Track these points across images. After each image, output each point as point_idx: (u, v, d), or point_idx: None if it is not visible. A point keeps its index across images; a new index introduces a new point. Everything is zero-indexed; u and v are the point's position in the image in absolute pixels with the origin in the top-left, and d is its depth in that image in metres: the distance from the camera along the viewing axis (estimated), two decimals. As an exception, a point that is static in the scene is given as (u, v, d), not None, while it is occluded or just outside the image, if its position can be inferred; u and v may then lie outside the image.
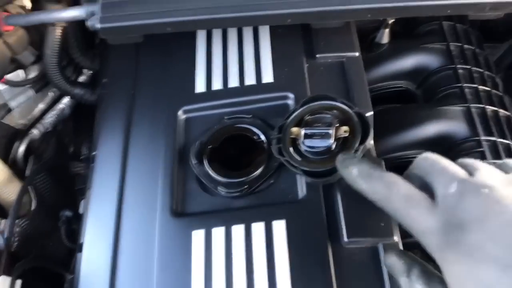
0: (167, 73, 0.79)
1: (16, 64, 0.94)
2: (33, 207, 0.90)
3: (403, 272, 0.47)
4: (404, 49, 0.90)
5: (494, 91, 0.85)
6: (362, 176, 0.50)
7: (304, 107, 0.66)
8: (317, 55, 0.75)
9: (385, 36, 0.89)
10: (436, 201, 0.44)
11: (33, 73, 0.99)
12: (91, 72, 1.07)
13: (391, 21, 0.86)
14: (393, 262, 0.48)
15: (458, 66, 0.86)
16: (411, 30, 0.95)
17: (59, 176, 1.07)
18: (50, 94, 1.06)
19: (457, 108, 0.81)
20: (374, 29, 0.92)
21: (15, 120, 1.00)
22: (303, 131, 0.63)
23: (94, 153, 0.76)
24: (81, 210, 0.85)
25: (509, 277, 0.37)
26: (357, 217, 0.60)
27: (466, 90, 0.83)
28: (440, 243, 0.42)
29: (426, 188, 0.47)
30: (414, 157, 0.80)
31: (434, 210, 0.44)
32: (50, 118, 1.04)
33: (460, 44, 0.89)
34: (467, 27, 0.93)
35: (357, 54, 0.75)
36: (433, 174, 0.46)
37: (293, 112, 0.66)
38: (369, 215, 0.60)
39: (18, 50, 0.89)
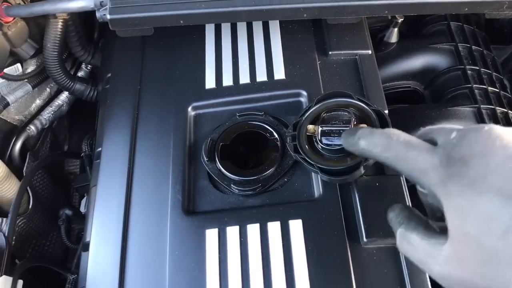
0: (174, 68, 0.77)
1: (15, 57, 0.91)
2: (30, 205, 0.87)
3: (401, 224, 0.47)
4: (412, 48, 0.89)
5: (503, 92, 0.84)
6: (364, 136, 0.50)
7: (320, 104, 0.64)
8: (330, 52, 0.74)
9: (394, 35, 0.88)
10: (438, 146, 0.45)
11: (30, 68, 0.97)
12: (90, 67, 1.05)
13: (400, 20, 0.85)
14: (394, 215, 0.48)
15: (467, 67, 0.85)
16: (418, 30, 0.95)
17: (54, 174, 1.04)
18: (48, 90, 1.03)
19: (468, 109, 0.80)
20: (381, 28, 0.92)
21: (12, 115, 0.97)
22: (320, 129, 0.61)
23: (99, 149, 0.74)
24: (82, 209, 0.82)
25: (510, 208, 0.37)
26: (375, 216, 0.59)
27: (476, 91, 0.82)
28: (443, 177, 0.42)
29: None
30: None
31: (435, 149, 0.44)
32: (47, 114, 1.01)
33: (468, 45, 0.89)
34: (474, 28, 0.92)
35: (370, 51, 0.74)
36: (434, 130, 0.47)
37: (309, 109, 0.64)
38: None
39: (17, 43, 0.86)
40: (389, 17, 0.88)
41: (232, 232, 0.61)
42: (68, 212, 0.87)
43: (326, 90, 0.71)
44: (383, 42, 0.89)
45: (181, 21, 0.67)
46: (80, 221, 0.87)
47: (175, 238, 0.62)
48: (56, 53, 0.87)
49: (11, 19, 0.82)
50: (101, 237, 0.65)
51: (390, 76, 0.89)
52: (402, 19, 0.85)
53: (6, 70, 0.90)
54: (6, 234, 0.69)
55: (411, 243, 0.45)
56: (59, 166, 1.14)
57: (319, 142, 0.61)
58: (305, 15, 0.66)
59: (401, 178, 0.62)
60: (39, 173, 0.94)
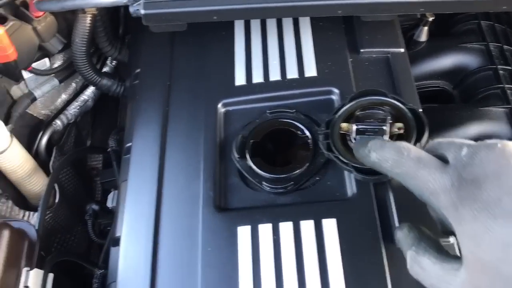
0: (204, 65, 0.77)
1: (43, 52, 0.91)
2: (56, 199, 0.88)
3: (411, 245, 0.45)
4: (442, 48, 0.88)
5: (535, 93, 0.83)
6: (375, 148, 0.48)
7: (353, 102, 0.63)
8: (361, 50, 0.73)
9: (423, 34, 0.87)
10: (448, 164, 0.43)
11: (58, 62, 0.97)
12: (115, 63, 1.05)
13: (431, 18, 0.84)
14: (403, 236, 0.47)
15: (499, 66, 0.84)
16: (448, 29, 0.94)
17: (78, 169, 1.05)
18: (73, 85, 1.03)
19: (500, 110, 0.79)
20: (411, 27, 0.91)
21: (38, 110, 0.98)
22: (354, 127, 0.60)
23: (129, 144, 0.74)
24: (109, 204, 0.82)
25: None
26: (410, 216, 0.58)
27: (508, 91, 0.81)
28: (454, 200, 0.40)
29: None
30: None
31: (446, 169, 0.42)
32: (73, 109, 1.01)
33: (499, 45, 0.87)
34: (505, 28, 0.91)
35: (402, 50, 0.74)
36: (443, 145, 0.45)
37: (342, 107, 0.64)
38: (423, 215, 0.58)
39: (46, 37, 0.86)
40: (419, 16, 0.87)
41: (265, 229, 0.60)
42: (95, 207, 0.87)
43: (358, 88, 0.70)
44: (412, 41, 0.88)
45: (215, 17, 0.66)
46: (106, 216, 0.87)
47: (207, 235, 0.61)
48: (84, 48, 0.88)
49: (41, 13, 0.82)
50: (132, 232, 0.65)
51: (418, 75, 0.88)
52: (433, 18, 0.84)
53: (34, 65, 0.91)
54: (36, 228, 0.69)
55: (423, 268, 0.43)
56: (82, 161, 1.14)
57: (353, 141, 0.60)
58: (339, 11, 0.66)
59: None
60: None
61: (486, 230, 0.37)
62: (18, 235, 0.65)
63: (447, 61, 0.88)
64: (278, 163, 0.72)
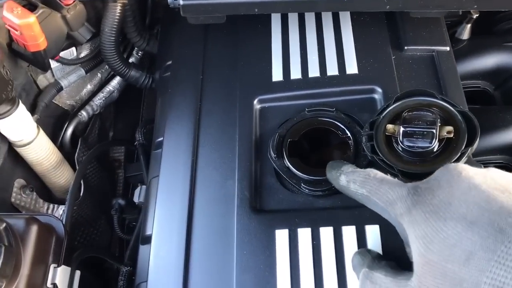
0: (239, 59, 0.74)
1: (71, 41, 0.89)
2: (81, 193, 0.86)
3: (365, 264, 0.48)
4: (484, 46, 0.85)
5: None
6: (346, 171, 0.52)
7: (399, 102, 0.60)
8: (405, 47, 0.70)
9: (466, 32, 0.83)
10: None
11: (85, 52, 0.95)
12: (141, 53, 1.02)
13: (475, 15, 0.81)
14: (359, 258, 0.50)
15: (546, 68, 0.80)
16: (490, 28, 0.90)
17: (101, 161, 1.03)
18: (99, 75, 1.01)
19: (547, 113, 0.76)
20: (452, 24, 0.87)
21: (63, 100, 0.96)
22: (402, 129, 0.57)
23: (160, 139, 0.71)
24: (136, 199, 0.80)
25: (473, 233, 0.37)
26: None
27: (556, 94, 0.78)
28: (409, 205, 0.43)
29: None
30: (498, 163, 0.76)
31: (405, 184, 0.46)
32: (98, 100, 0.99)
33: (546, 45, 0.83)
34: (551, 27, 0.87)
35: (448, 48, 0.70)
36: None
37: (387, 107, 0.61)
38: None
39: (75, 26, 0.84)
40: (460, 12, 0.83)
41: (304, 234, 0.58)
42: (121, 201, 0.85)
43: (402, 87, 0.67)
44: (454, 39, 0.85)
45: (256, 10, 0.63)
46: (131, 211, 0.85)
47: (243, 237, 0.59)
48: (113, 38, 0.85)
49: (71, 1, 0.79)
50: (164, 232, 0.62)
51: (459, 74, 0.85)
52: (477, 15, 0.81)
53: (61, 54, 0.88)
54: (63, 223, 0.67)
55: (375, 282, 0.46)
56: (105, 153, 1.12)
57: (399, 143, 0.57)
58: (388, 6, 0.62)
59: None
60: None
61: (436, 231, 0.40)
62: (46, 231, 0.63)
63: (489, 60, 0.84)
64: (311, 163, 0.70)
